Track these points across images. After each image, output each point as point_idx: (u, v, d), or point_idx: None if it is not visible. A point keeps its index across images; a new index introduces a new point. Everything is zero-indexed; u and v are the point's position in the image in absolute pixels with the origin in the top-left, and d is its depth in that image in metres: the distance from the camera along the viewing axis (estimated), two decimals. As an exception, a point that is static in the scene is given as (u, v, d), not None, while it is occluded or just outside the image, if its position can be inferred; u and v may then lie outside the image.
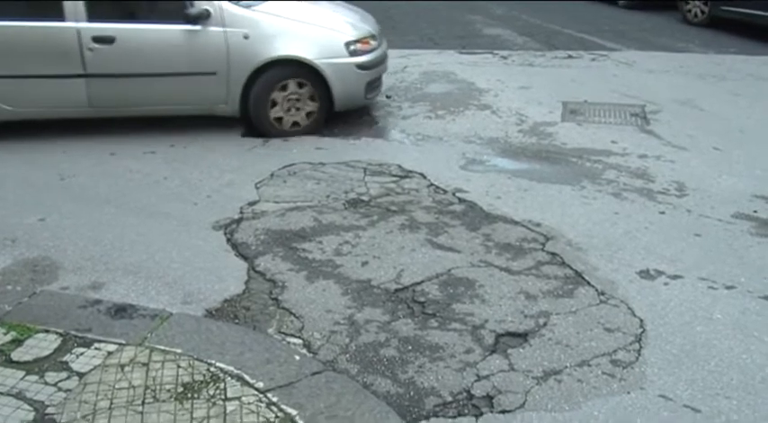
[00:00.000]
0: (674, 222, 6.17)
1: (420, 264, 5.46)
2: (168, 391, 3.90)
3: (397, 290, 5.11)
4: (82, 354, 4.21)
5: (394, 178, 7.05)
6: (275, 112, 8.44)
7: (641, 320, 4.74)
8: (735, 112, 9.17)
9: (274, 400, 3.86)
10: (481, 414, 3.97)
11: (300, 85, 8.47)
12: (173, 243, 5.82)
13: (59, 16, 7.89)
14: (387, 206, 6.43)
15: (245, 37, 8.26)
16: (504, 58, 12.30)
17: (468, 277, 5.26)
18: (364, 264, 5.47)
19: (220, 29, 8.21)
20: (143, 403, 3.81)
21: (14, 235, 5.94)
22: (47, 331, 4.43)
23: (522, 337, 4.59)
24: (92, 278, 5.30)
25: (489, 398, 4.07)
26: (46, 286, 5.15)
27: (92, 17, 7.93)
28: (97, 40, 7.93)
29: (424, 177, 7.06)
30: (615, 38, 13.92)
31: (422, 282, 5.21)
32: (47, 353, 4.22)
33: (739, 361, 4.36)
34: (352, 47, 8.64)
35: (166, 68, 8.27)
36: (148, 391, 3.90)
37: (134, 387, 3.93)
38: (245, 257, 5.60)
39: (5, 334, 4.40)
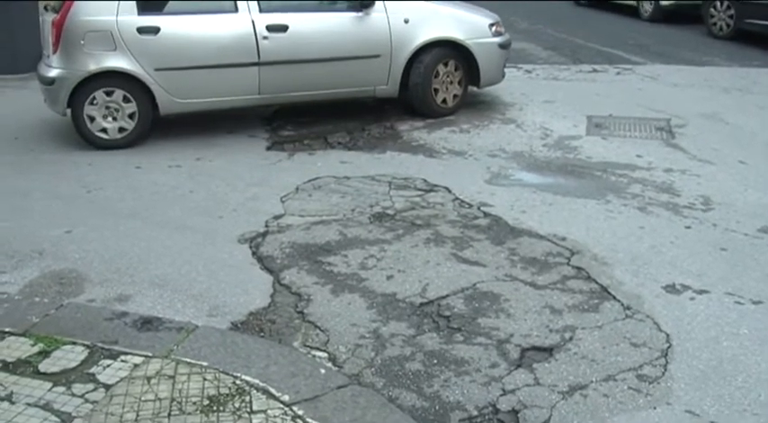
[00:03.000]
0: (700, 237, 6.14)
1: (445, 278, 5.45)
2: (194, 403, 3.91)
3: (422, 304, 5.11)
4: (108, 366, 4.23)
5: (419, 192, 7.05)
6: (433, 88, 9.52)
7: (667, 335, 4.71)
8: (760, 126, 9.13)
9: (300, 413, 3.86)
10: (507, 428, 3.97)
11: (456, 68, 9.57)
12: (198, 256, 5.85)
13: (233, 8, 8.62)
14: (412, 220, 6.43)
15: (406, 21, 9.21)
16: (529, 71, 12.32)
17: (494, 291, 5.26)
18: (389, 277, 5.48)
19: (383, 14, 9.12)
20: (169, 416, 3.82)
21: (41, 247, 5.99)
22: (74, 343, 4.45)
23: (548, 351, 4.57)
24: (118, 290, 5.33)
25: (515, 412, 4.05)
26: (73, 298, 5.18)
27: (262, 8, 8.69)
28: (271, 28, 8.64)
29: (449, 191, 7.06)
30: (640, 51, 13.90)
31: (447, 296, 5.20)
32: (74, 364, 4.24)
33: (767, 377, 4.32)
34: (493, 28, 9.77)
35: (334, 53, 9.02)
36: (174, 403, 3.92)
37: (160, 399, 3.94)
38: (270, 271, 5.62)
39: (33, 345, 4.43)
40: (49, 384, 4.06)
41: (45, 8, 9.11)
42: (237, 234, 6.22)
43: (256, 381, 4.11)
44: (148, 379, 4.10)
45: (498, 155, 8.18)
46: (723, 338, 4.69)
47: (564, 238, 6.08)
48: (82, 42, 8.12)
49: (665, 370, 4.37)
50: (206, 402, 3.92)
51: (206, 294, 5.27)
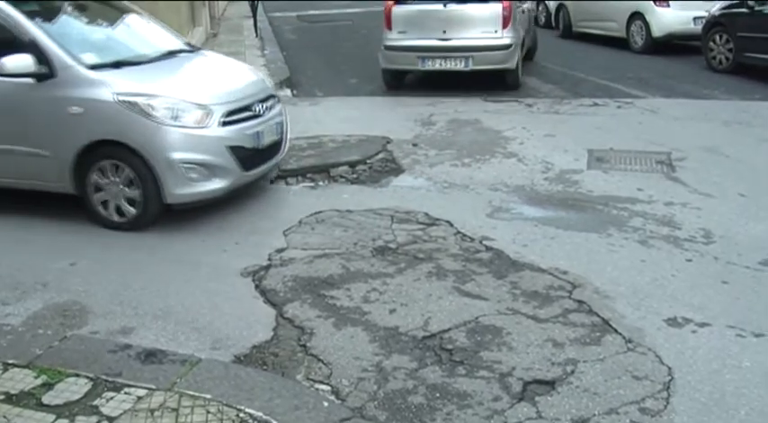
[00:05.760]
0: (701, 270, 6.15)
1: (447, 311, 5.47)
2: (198, 436, 3.92)
3: (424, 337, 5.12)
4: (112, 398, 4.24)
5: (421, 226, 7.08)
6: None
7: (669, 368, 4.72)
8: (761, 159, 9.15)
9: (303, 446, 3.87)
10: (509, 462, 3.97)
11: None
12: (201, 289, 5.87)
13: None
14: (414, 254, 6.45)
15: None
16: (530, 105, 12.36)
17: (496, 325, 5.27)
18: (392, 311, 5.49)
19: None
20: (173, 449, 3.83)
21: (45, 279, 6.02)
22: (77, 375, 4.46)
23: (550, 384, 4.58)
24: (121, 323, 5.35)
25: (517, 446, 4.06)
26: (76, 330, 5.21)
27: None
28: None
29: (451, 225, 7.09)
30: (640, 85, 13.95)
31: (449, 329, 5.21)
32: (77, 397, 4.25)
33: (769, 410, 4.33)
34: None
35: None
36: (178, 436, 3.93)
37: (164, 432, 3.96)
38: (273, 304, 5.63)
39: (36, 378, 4.44)
40: (52, 417, 4.07)
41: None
42: (240, 267, 6.25)
43: (260, 414, 4.12)
44: (152, 412, 4.11)
45: (500, 189, 8.21)
46: (725, 371, 4.69)
47: (565, 272, 6.09)
48: (517, 19, 13.26)
49: (668, 403, 4.38)
50: (209, 435, 3.93)
51: (209, 327, 5.29)
